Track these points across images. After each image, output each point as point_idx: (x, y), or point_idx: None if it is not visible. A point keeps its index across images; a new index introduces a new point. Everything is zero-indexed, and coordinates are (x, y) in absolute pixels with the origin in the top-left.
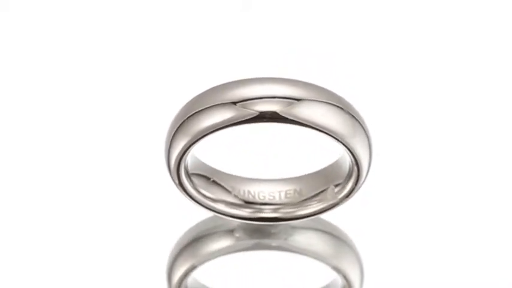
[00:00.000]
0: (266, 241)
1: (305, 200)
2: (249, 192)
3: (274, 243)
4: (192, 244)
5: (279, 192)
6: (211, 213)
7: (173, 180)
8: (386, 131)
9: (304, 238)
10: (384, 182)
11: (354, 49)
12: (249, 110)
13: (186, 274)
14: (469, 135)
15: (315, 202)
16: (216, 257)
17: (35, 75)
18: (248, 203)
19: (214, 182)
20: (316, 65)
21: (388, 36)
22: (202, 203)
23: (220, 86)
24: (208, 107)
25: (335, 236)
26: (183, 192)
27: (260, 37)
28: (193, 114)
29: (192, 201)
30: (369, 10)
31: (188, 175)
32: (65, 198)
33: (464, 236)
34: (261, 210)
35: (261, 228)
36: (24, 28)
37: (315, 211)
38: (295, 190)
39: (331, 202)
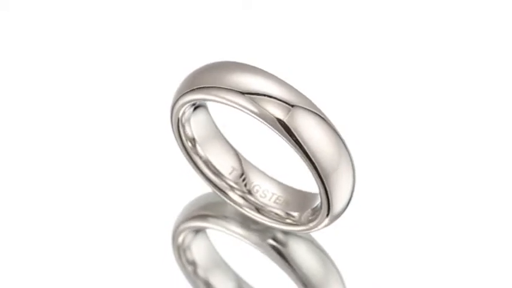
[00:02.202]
0: (247, 234)
1: (285, 212)
2: (248, 178)
3: (253, 239)
4: (192, 215)
5: (273, 194)
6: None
7: (171, 112)
8: (373, 145)
9: (289, 249)
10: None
11: (354, 49)
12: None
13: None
14: (454, 156)
15: (283, 217)
16: (209, 228)
17: (34, 74)
18: (234, 181)
19: (232, 148)
20: (316, 65)
21: (387, 37)
22: (189, 152)
23: (235, 67)
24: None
25: (317, 250)
26: (177, 137)
27: (260, 37)
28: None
29: (181, 144)
30: (369, 10)
31: (190, 126)
32: (70, 178)
33: (450, 253)
34: (232, 189)
35: (246, 220)
36: (24, 28)
37: (267, 224)
38: (285, 199)
39: (298, 227)
